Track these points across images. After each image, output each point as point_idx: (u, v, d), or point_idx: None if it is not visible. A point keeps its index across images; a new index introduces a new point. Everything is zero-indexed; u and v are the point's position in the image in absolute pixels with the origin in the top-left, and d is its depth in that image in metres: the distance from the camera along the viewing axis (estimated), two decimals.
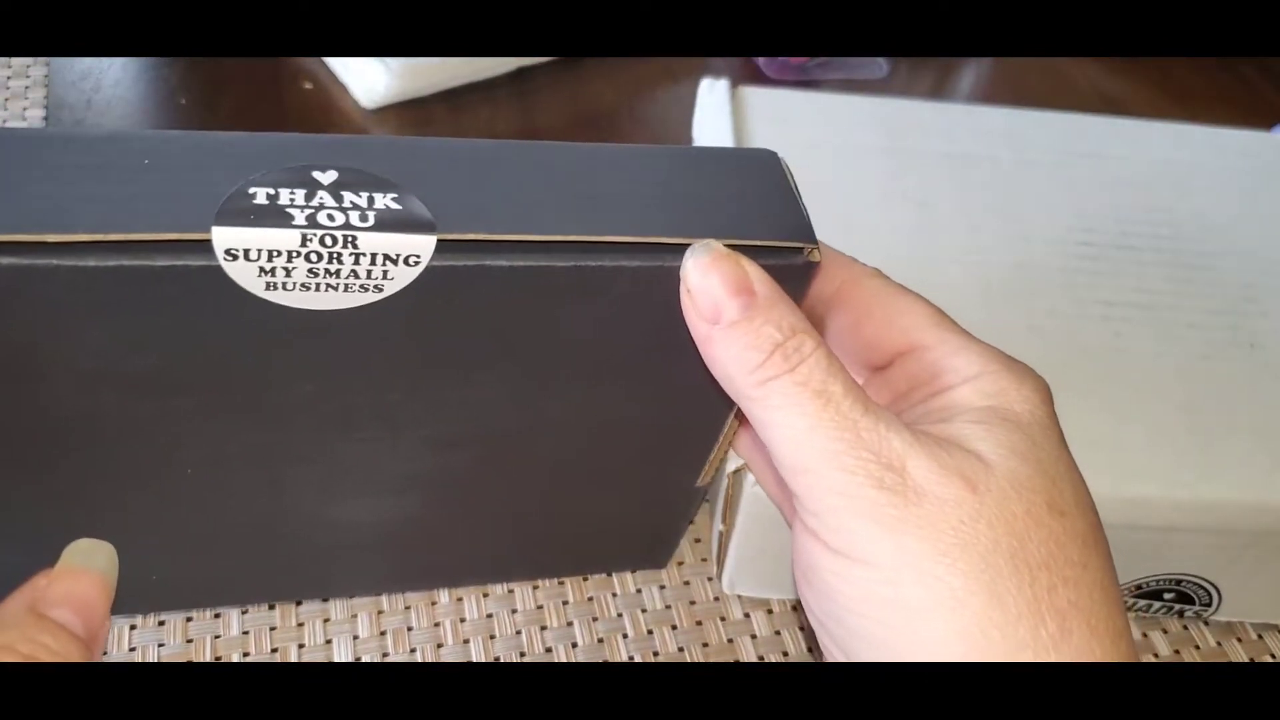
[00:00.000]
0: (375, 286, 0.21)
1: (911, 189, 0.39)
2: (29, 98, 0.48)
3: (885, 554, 0.21)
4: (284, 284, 0.21)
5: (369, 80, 0.49)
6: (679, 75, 0.54)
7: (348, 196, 0.21)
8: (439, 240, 0.21)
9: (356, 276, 0.21)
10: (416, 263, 0.21)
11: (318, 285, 0.21)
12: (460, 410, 0.25)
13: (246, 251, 0.20)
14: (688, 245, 0.22)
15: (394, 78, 0.49)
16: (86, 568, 0.22)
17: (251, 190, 0.20)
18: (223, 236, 0.20)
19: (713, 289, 0.22)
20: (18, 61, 0.50)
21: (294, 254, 0.20)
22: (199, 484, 0.26)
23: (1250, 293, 0.38)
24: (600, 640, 0.33)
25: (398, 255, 0.21)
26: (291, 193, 0.20)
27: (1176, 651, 0.35)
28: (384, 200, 0.21)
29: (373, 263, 0.21)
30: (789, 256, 0.23)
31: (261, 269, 0.20)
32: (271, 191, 0.20)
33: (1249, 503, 0.32)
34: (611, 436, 0.28)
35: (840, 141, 0.41)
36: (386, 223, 0.21)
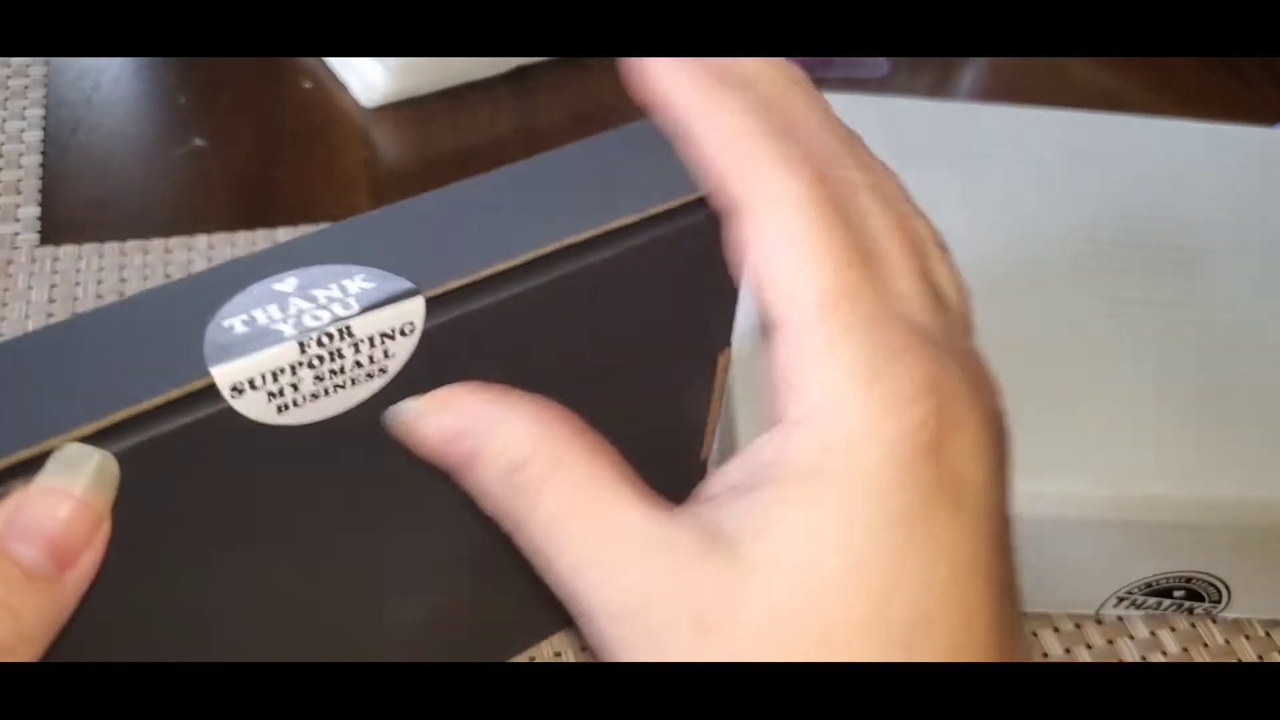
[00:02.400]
0: (380, 369, 0.21)
1: (913, 190, 0.39)
2: (28, 96, 0.48)
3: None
4: (294, 400, 0.20)
5: (368, 79, 0.49)
6: None
7: (319, 295, 0.20)
8: (426, 300, 0.21)
9: (360, 366, 0.21)
10: (412, 330, 0.21)
11: (325, 390, 0.20)
12: None
13: (252, 381, 0.19)
14: (644, 220, 0.23)
15: (393, 76, 0.48)
16: (68, 486, 0.17)
17: (226, 323, 0.20)
18: (225, 373, 0.19)
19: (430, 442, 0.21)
20: (17, 60, 0.49)
21: (297, 365, 0.20)
22: (251, 618, 0.25)
23: (1257, 288, 0.38)
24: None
25: (393, 329, 0.21)
26: (264, 310, 0.20)
27: (1185, 649, 0.35)
28: (355, 284, 0.21)
29: (372, 345, 0.20)
30: (695, 212, 0.23)
31: (271, 394, 0.20)
32: (245, 317, 0.20)
33: (1261, 499, 0.32)
34: (625, 435, 0.27)
35: None
36: (371, 302, 0.20)
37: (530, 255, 0.22)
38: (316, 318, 0.20)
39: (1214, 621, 0.36)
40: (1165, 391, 0.34)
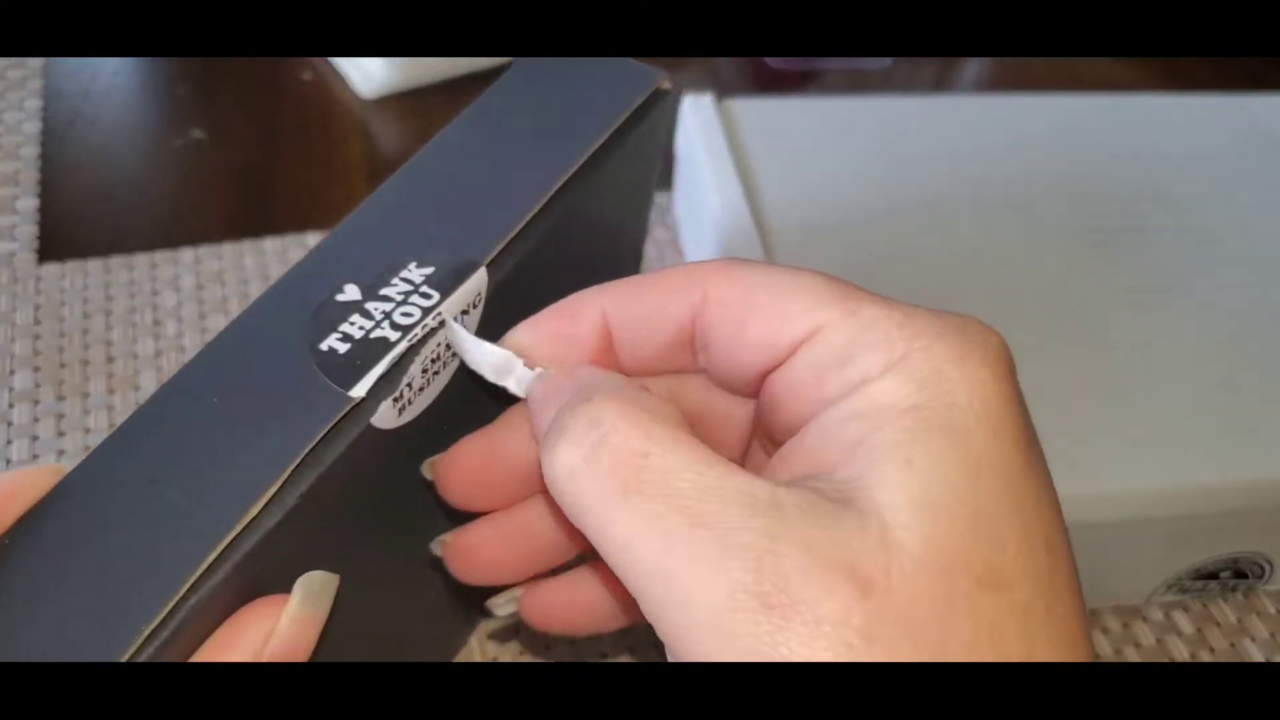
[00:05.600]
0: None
1: (916, 191, 0.39)
2: (26, 87, 0.48)
3: None
4: (410, 400, 0.20)
5: (368, 71, 0.49)
6: (680, 64, 0.54)
7: (389, 292, 0.20)
8: (486, 267, 0.21)
9: (448, 348, 0.21)
10: (480, 300, 0.21)
11: (428, 380, 0.21)
12: None
13: (389, 392, 0.19)
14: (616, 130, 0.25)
15: (393, 68, 0.48)
16: (315, 613, 0.19)
17: (325, 347, 0.19)
18: (363, 392, 0.19)
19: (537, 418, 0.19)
20: None
21: (410, 363, 0.20)
22: (367, 614, 0.25)
23: (1265, 263, 0.37)
24: (631, 649, 0.33)
25: (469, 304, 0.21)
26: (351, 324, 0.20)
27: (1239, 620, 0.35)
28: (416, 273, 0.21)
29: (458, 321, 0.21)
30: (648, 102, 0.25)
31: (395, 399, 0.20)
32: (339, 335, 0.20)
33: None
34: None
35: (838, 147, 0.40)
36: (445, 284, 0.21)
37: (547, 195, 0.23)
38: (408, 314, 0.20)
39: (1252, 596, 0.35)
40: (1195, 378, 0.33)
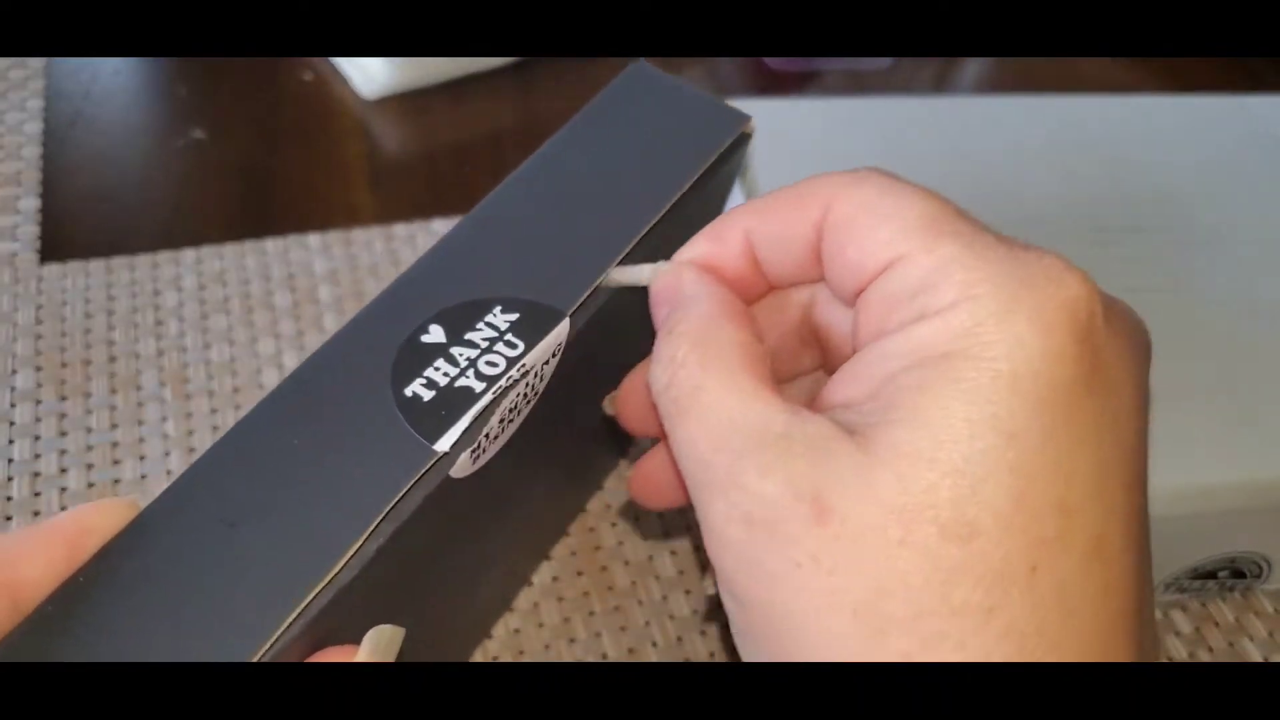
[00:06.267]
0: (534, 391, 0.21)
1: None
2: (28, 88, 0.48)
3: (754, 601, 0.18)
4: (486, 449, 0.20)
5: (369, 71, 0.49)
6: (681, 65, 0.54)
7: (474, 338, 0.20)
8: (569, 316, 0.21)
9: (525, 397, 0.21)
10: (560, 350, 0.21)
11: (504, 428, 0.20)
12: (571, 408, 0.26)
13: (469, 445, 0.19)
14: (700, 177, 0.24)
15: (394, 69, 0.48)
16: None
17: (409, 393, 0.19)
18: (449, 442, 0.19)
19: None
20: None
21: (491, 414, 0.20)
22: (438, 636, 0.25)
23: (1264, 263, 0.37)
24: (631, 650, 0.33)
25: (551, 354, 0.21)
26: (435, 369, 0.20)
27: (1237, 620, 0.35)
28: (500, 319, 0.20)
29: (536, 376, 0.21)
30: (736, 145, 0.25)
31: (472, 450, 0.19)
32: (423, 381, 0.19)
33: None
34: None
35: (838, 148, 0.40)
36: (531, 335, 0.20)
37: (633, 242, 0.23)
38: (493, 364, 0.20)
39: (1246, 596, 0.36)
40: (1194, 378, 0.33)
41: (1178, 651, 0.34)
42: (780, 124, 0.41)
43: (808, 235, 0.21)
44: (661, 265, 0.22)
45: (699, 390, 0.19)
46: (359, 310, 0.21)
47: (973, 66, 0.57)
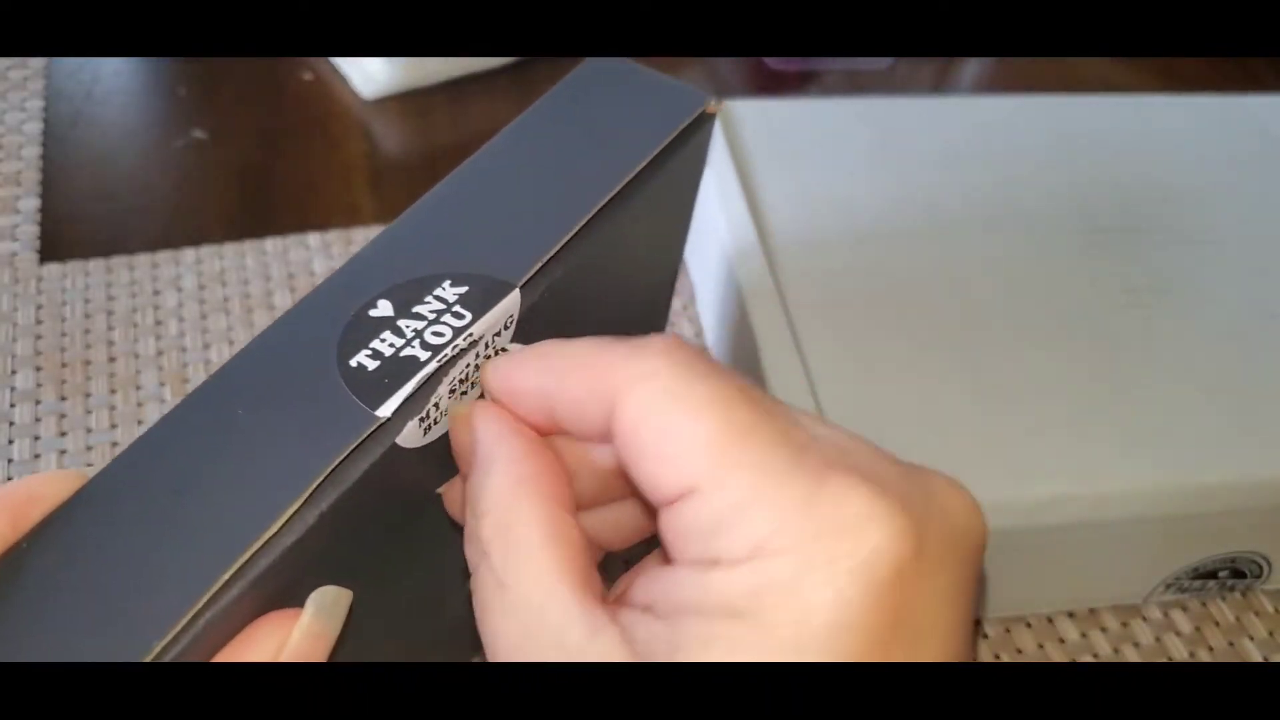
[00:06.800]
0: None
1: (915, 192, 0.39)
2: (28, 88, 0.48)
3: None
4: (436, 419, 0.20)
5: (369, 71, 0.49)
6: (681, 65, 0.54)
7: (422, 310, 0.20)
8: (519, 289, 0.21)
9: (478, 369, 0.21)
10: (512, 322, 0.21)
11: (458, 400, 0.20)
12: None
13: (415, 412, 0.19)
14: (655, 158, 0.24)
15: (394, 69, 0.48)
16: (327, 630, 0.19)
17: (354, 363, 0.19)
18: (389, 411, 0.19)
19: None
20: None
21: (439, 383, 0.20)
22: (383, 624, 0.25)
23: (1262, 263, 0.37)
24: None
25: (501, 326, 0.21)
26: (382, 340, 0.20)
27: (1237, 619, 0.35)
28: (449, 291, 0.21)
29: (486, 346, 0.21)
30: (695, 124, 0.25)
31: (421, 419, 0.20)
32: (368, 352, 0.19)
33: None
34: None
35: (838, 148, 0.40)
36: (479, 304, 0.20)
37: (586, 217, 0.22)
38: (439, 334, 0.20)
39: (1246, 595, 0.36)
40: (1193, 378, 0.33)
41: (1178, 651, 0.34)
42: (780, 124, 0.41)
43: (602, 424, 0.19)
44: (464, 398, 0.21)
45: (502, 587, 0.18)
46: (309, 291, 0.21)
47: (972, 66, 0.57)
